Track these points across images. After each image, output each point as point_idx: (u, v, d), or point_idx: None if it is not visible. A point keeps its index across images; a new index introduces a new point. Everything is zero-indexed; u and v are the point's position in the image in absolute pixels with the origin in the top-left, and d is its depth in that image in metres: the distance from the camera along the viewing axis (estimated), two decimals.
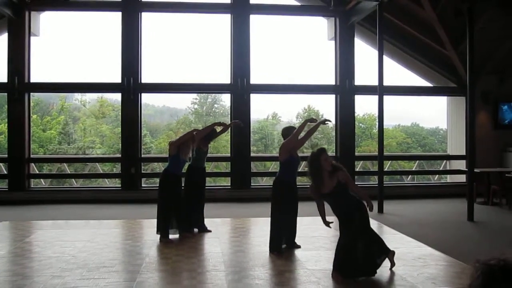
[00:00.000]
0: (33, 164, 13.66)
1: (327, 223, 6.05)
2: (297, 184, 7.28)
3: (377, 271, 5.83)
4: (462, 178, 13.94)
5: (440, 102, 17.44)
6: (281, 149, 7.04)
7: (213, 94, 33.20)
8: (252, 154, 13.97)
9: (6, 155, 13.18)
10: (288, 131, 7.16)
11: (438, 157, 18.81)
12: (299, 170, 7.63)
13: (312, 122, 7.22)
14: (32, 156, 13.71)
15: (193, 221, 8.34)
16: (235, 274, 5.90)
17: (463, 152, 13.88)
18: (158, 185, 8.24)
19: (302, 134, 7.09)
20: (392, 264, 6.03)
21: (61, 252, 7.01)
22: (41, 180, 15.05)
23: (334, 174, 5.71)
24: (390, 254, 5.99)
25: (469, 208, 9.93)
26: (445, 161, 15.85)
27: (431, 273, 5.95)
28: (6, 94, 13.06)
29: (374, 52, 12.28)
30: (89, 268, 6.16)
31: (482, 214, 10.40)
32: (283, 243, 7.09)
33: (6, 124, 13.88)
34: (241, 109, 13.38)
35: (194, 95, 32.45)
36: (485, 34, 12.44)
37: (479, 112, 13.69)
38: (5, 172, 13.46)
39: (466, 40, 10.27)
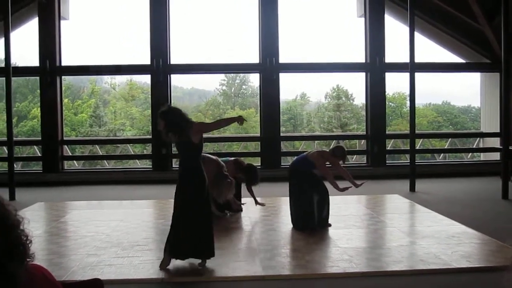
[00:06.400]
0: (66, 146, 13.89)
1: None
2: None
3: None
4: (496, 156, 13.67)
5: (472, 80, 17.11)
6: (321, 161, 7.17)
7: (241, 75, 33.21)
8: (281, 134, 13.93)
9: (40, 138, 13.45)
10: (339, 153, 7.19)
11: (471, 134, 18.48)
12: None
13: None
14: (65, 138, 13.93)
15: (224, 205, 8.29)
16: (267, 252, 5.91)
17: (497, 130, 13.59)
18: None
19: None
20: (201, 264, 5.41)
21: (95, 231, 7.14)
22: (74, 162, 15.33)
23: (193, 128, 5.30)
24: (202, 261, 5.43)
25: (503, 186, 9.72)
26: (478, 139, 15.55)
27: (466, 251, 5.87)
28: (38, 78, 13.26)
29: (405, 28, 12.04)
30: (123, 246, 6.26)
31: None
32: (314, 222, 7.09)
33: (39, 108, 14.11)
34: (269, 89, 13.32)
35: (222, 76, 32.51)
36: None
37: None
38: (40, 155, 13.74)
39: (501, 14, 9.98)
